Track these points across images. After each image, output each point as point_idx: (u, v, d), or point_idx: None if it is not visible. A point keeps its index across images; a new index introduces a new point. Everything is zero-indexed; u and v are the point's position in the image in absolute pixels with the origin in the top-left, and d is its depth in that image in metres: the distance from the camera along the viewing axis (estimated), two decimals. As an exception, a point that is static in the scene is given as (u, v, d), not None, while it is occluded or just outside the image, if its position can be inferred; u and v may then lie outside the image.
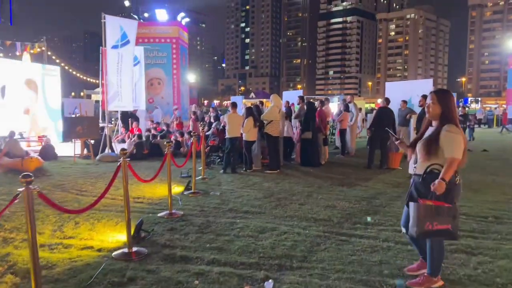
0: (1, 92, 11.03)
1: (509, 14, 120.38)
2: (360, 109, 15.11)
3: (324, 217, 5.24)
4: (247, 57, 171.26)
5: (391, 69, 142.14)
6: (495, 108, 45.52)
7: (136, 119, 14.28)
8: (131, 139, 12.03)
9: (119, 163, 3.94)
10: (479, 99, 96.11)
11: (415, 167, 3.27)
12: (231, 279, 3.36)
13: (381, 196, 6.57)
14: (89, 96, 39.16)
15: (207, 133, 11.62)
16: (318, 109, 10.22)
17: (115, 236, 4.47)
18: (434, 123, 3.22)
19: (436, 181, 2.91)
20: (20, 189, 2.52)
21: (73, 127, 10.79)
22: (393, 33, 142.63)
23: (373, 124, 9.52)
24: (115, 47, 11.40)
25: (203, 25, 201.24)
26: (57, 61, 21.43)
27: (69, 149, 11.39)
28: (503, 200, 6.25)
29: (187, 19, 27.73)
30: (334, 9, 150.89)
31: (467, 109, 27.55)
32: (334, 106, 17.19)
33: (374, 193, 6.76)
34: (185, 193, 6.71)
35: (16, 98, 12.81)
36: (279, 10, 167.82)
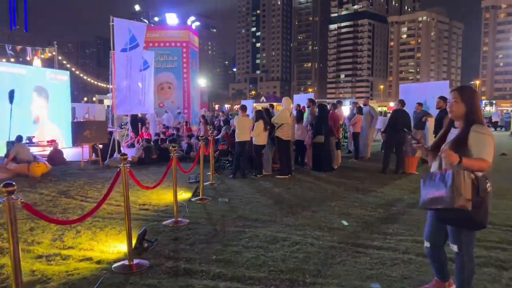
0: (9, 97, 10.93)
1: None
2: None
3: (339, 226, 4.93)
4: (257, 61, 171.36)
5: (403, 72, 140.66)
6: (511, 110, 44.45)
7: (143, 123, 14.13)
8: (140, 143, 11.87)
9: (119, 169, 3.69)
10: (494, 101, 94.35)
11: None
12: (239, 296, 3.08)
13: (398, 203, 6.23)
14: (101, 101, 39.47)
15: (216, 137, 11.40)
16: (331, 112, 9.91)
17: (116, 246, 4.22)
18: (457, 123, 2.90)
19: (452, 153, 2.57)
20: (0, 200, 2.28)
21: (81, 132, 10.64)
22: (405, 35, 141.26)
23: (388, 127, 9.17)
24: (124, 50, 11.26)
25: (214, 30, 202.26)
26: (68, 65, 21.46)
27: (77, 154, 11.27)
28: (530, 207, 5.86)
29: (197, 23, 27.65)
30: (345, 12, 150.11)
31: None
32: (346, 110, 16.83)
33: (391, 200, 6.42)
34: (192, 199, 6.46)
35: (26, 104, 12.75)
36: (290, 15, 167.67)
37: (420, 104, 10.80)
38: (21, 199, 2.31)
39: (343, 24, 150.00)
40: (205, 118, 14.41)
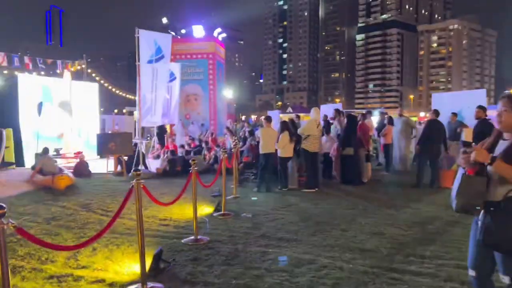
0: (38, 109, 11.08)
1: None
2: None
3: (371, 247, 4.53)
4: (284, 72, 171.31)
5: (434, 81, 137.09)
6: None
7: (164, 132, 14.07)
8: (164, 155, 11.77)
9: (131, 185, 3.45)
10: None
11: None
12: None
13: (435, 221, 5.75)
14: (131, 113, 40.17)
15: (241, 149, 11.15)
16: (360, 123, 9.49)
17: (131, 267, 3.98)
18: (506, 135, 2.51)
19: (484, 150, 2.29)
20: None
21: (105, 143, 10.63)
22: (435, 44, 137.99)
23: (422, 138, 8.64)
24: (150, 62, 11.26)
25: (241, 42, 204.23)
26: (97, 78, 21.86)
27: (103, 166, 11.27)
28: None
29: (223, 35, 27.71)
30: (373, 22, 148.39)
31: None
32: (375, 120, 16.27)
33: (427, 217, 5.94)
34: (214, 214, 6.19)
35: (52, 117, 12.82)
36: (316, 25, 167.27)
37: (454, 114, 10.22)
38: (13, 223, 2.08)
39: (371, 33, 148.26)
40: (230, 129, 14.21)
